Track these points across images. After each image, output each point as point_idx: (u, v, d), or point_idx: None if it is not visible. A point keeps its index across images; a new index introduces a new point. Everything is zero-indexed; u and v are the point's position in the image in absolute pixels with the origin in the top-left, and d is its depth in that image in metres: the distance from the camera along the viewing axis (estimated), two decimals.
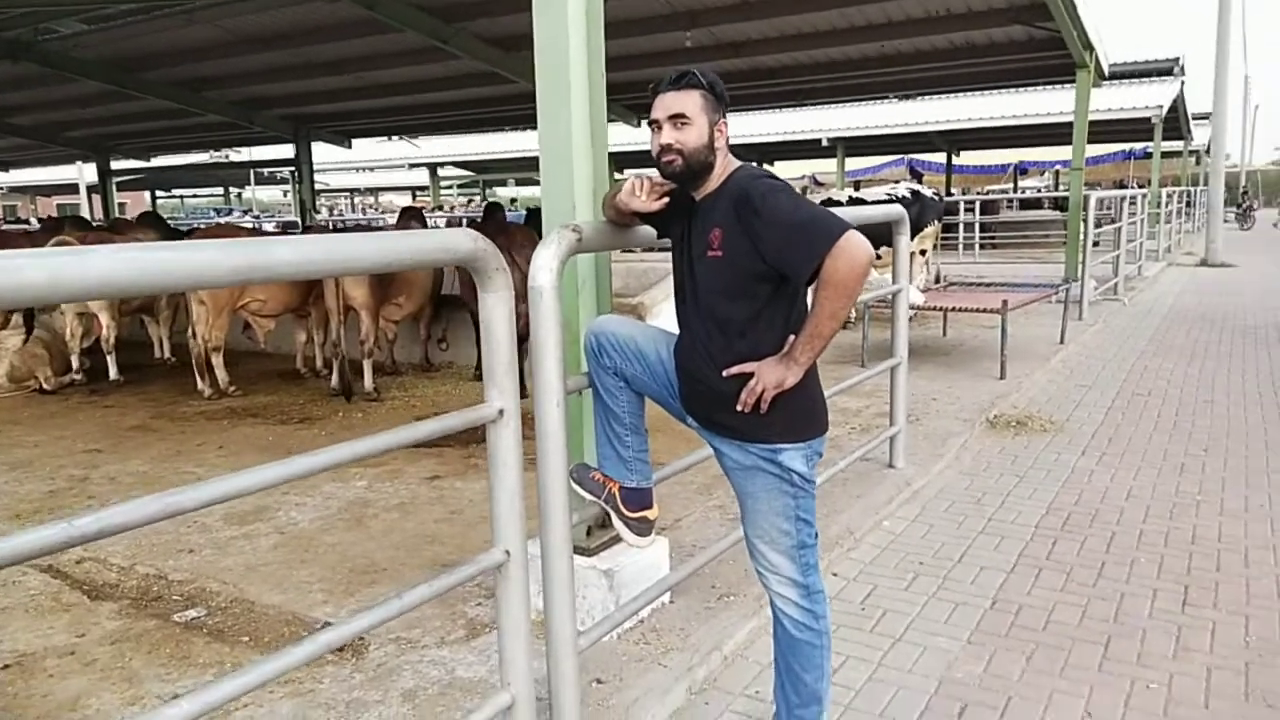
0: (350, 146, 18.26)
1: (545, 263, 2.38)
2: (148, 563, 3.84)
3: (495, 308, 2.16)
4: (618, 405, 2.55)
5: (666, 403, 2.51)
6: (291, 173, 23.91)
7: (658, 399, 2.53)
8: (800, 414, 2.26)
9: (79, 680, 2.96)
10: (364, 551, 3.95)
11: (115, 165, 20.07)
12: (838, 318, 2.11)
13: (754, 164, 2.47)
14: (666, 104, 2.24)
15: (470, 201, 36.80)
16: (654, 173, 2.44)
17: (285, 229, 17.89)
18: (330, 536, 4.13)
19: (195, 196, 45.18)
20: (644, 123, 13.82)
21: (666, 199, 2.40)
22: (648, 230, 2.69)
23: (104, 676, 2.98)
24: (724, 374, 2.24)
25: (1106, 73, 12.17)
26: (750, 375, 2.20)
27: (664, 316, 6.57)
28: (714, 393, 2.28)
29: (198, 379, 7.05)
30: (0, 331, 7.74)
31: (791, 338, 2.21)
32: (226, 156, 24.58)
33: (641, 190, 2.41)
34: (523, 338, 7.22)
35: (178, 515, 1.51)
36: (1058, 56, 11.02)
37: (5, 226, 19.85)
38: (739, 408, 2.21)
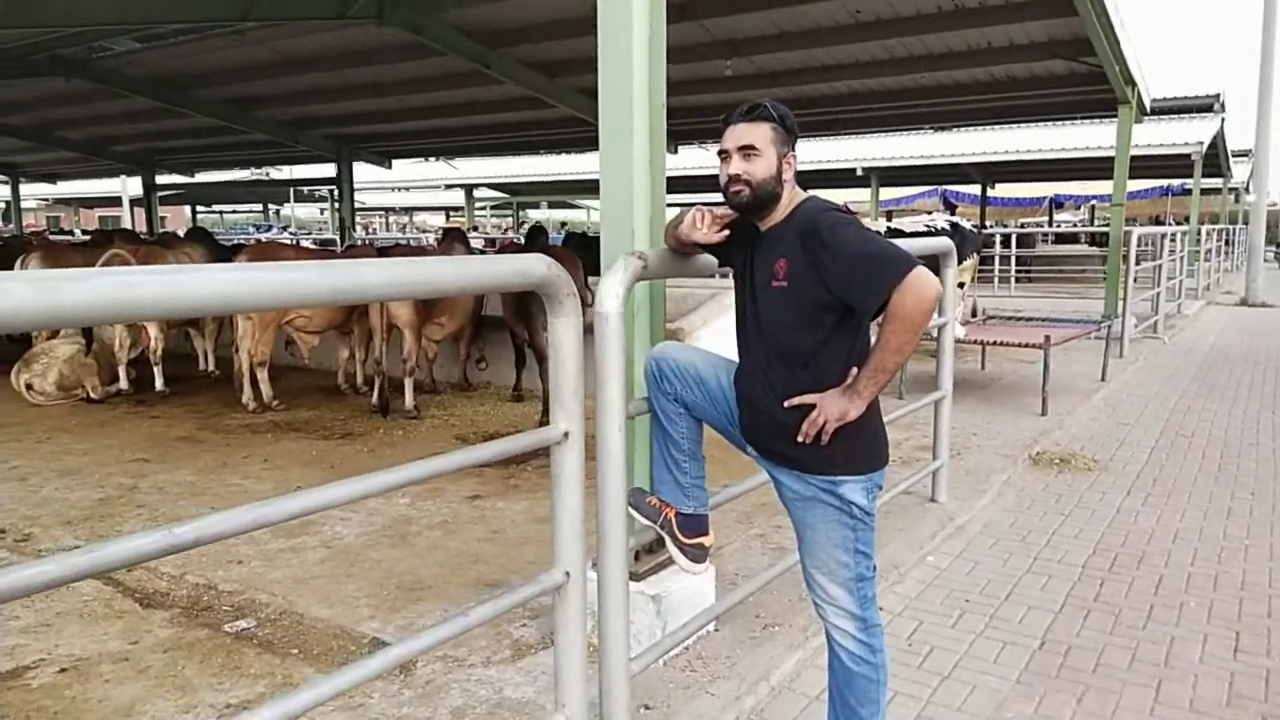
0: (390, 167, 18.55)
1: (611, 289, 2.42)
2: (197, 572, 3.89)
3: (564, 332, 2.19)
4: (677, 431, 2.57)
5: (726, 430, 2.52)
6: (330, 191, 24.34)
7: (717, 426, 2.55)
8: (861, 446, 2.27)
9: (133, 687, 3.00)
10: (409, 568, 3.98)
11: (159, 180, 20.50)
12: (903, 352, 2.12)
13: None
14: (737, 135, 2.27)
15: (521, 225, 37.17)
16: (712, 198, 2.48)
17: (324, 247, 18.13)
18: (375, 552, 4.17)
19: (235, 212, 45.94)
20: (681, 149, 13.95)
21: (728, 231, 2.44)
22: (708, 259, 2.71)
23: (158, 684, 3.02)
24: (785, 404, 2.25)
25: (1148, 108, 12.12)
26: (812, 406, 2.21)
27: (702, 342, 6.59)
28: (775, 423, 2.29)
29: (241, 392, 7.16)
30: (51, 340, 7.90)
31: (854, 370, 2.22)
32: (268, 174, 25.03)
33: (703, 222, 2.45)
34: (543, 356, 7.16)
35: (269, 526, 1.54)
36: (1099, 91, 11.00)
37: (52, 238, 20.27)
38: (800, 439, 2.23)
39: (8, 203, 24.54)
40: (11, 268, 8.29)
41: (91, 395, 7.67)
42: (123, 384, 7.83)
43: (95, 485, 5.25)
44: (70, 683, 3.03)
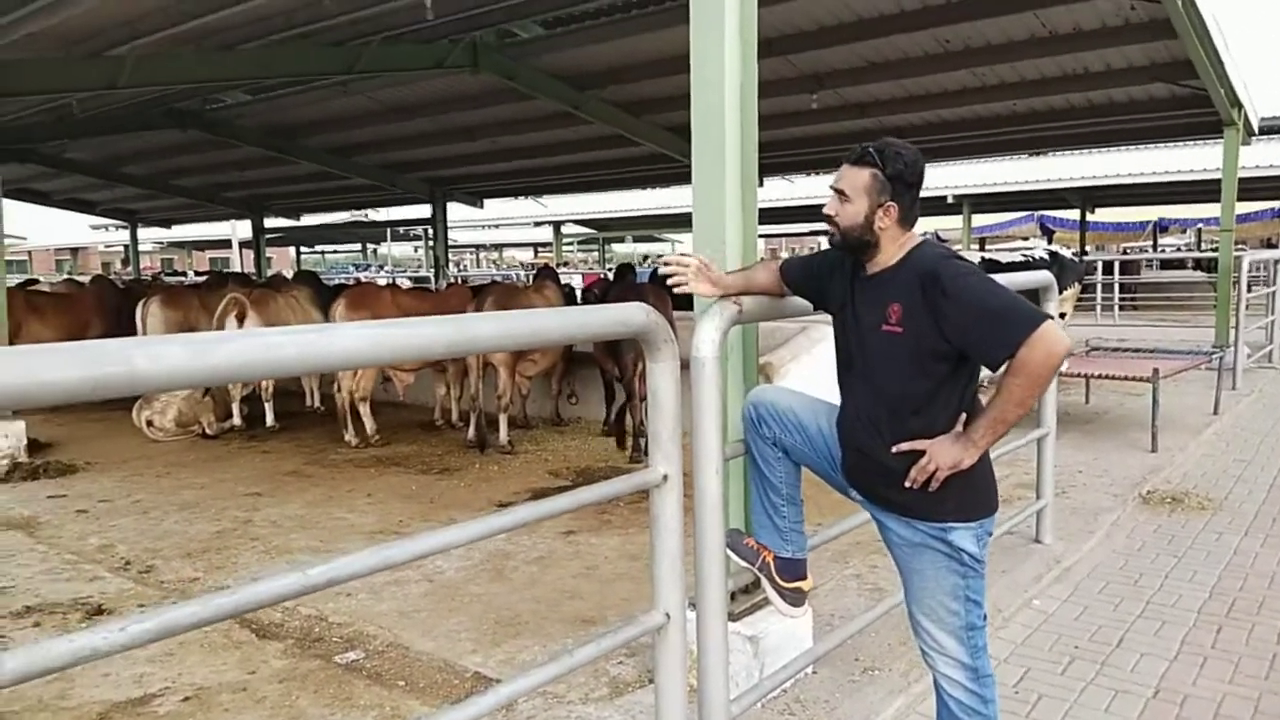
0: (482, 206, 19.09)
1: (708, 334, 2.46)
2: (310, 604, 4.05)
3: (662, 377, 2.24)
4: (775, 476, 2.58)
5: (827, 475, 2.52)
6: (425, 230, 25.12)
7: (817, 470, 2.55)
8: (972, 493, 2.24)
9: (251, 716, 3.14)
10: (507, 603, 4.07)
11: (267, 223, 21.53)
12: (1025, 405, 2.10)
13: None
14: (838, 176, 2.31)
15: (609, 259, 37.94)
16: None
17: (419, 284, 18.73)
18: (475, 587, 4.27)
19: (335, 252, 47.79)
20: (766, 180, 14.00)
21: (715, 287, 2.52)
22: (801, 301, 2.72)
23: (273, 714, 3.16)
24: (894, 450, 2.24)
25: (1256, 129, 11.63)
26: (921, 452, 2.20)
27: (790, 377, 6.56)
28: (883, 468, 2.28)
29: (344, 428, 7.43)
30: None
31: (963, 417, 2.21)
32: (366, 215, 26.01)
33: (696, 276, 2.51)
34: (633, 392, 7.18)
35: (393, 567, 1.63)
36: (1203, 114, 10.61)
37: (167, 279, 21.46)
38: (908, 484, 2.21)
39: (126, 246, 26.08)
40: (134, 309, 8.82)
41: (207, 431, 8.08)
42: (236, 420, 8.23)
43: (212, 518, 5.52)
44: (193, 711, 3.20)
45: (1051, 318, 2.07)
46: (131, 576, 4.61)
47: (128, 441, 7.91)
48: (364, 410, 7.41)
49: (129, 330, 8.60)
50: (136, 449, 7.67)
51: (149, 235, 32.06)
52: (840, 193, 2.29)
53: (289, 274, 14.01)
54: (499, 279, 23.06)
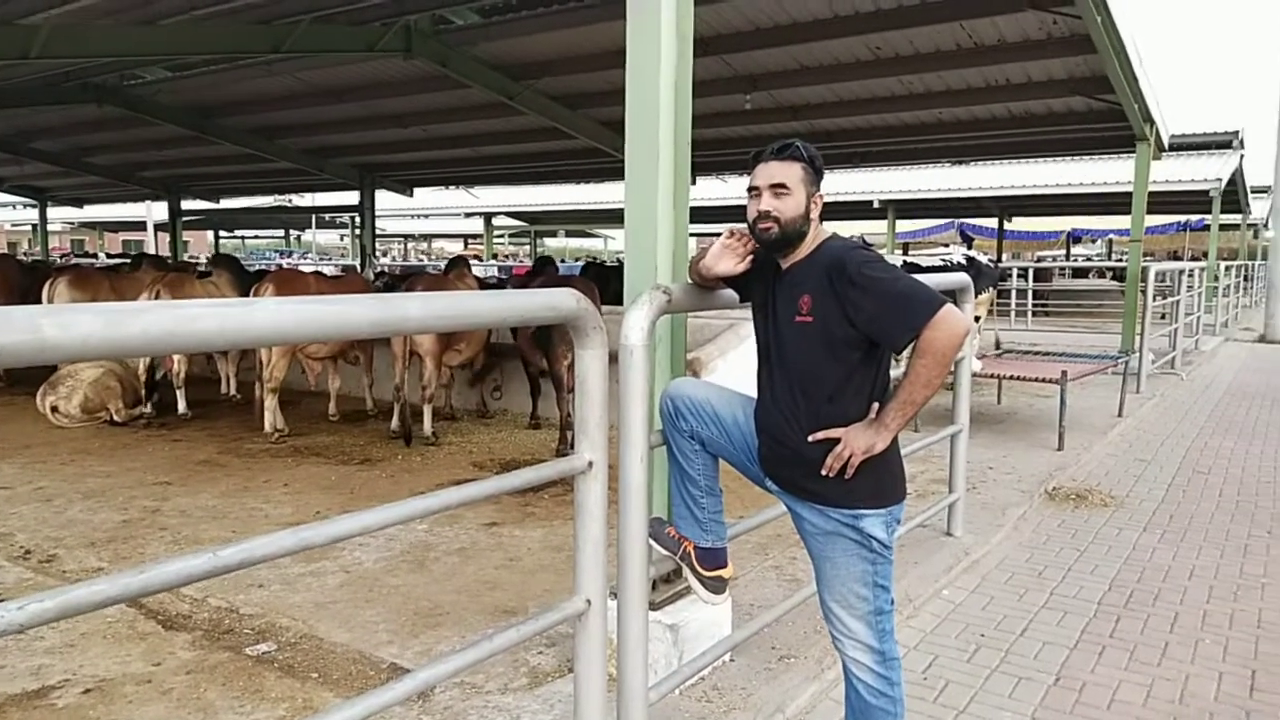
0: (412, 194, 18.80)
1: (637, 322, 2.47)
2: (219, 595, 3.94)
3: (591, 364, 2.24)
4: (693, 468, 2.60)
5: (744, 466, 2.56)
6: (352, 218, 24.64)
7: (734, 462, 2.58)
8: (882, 480, 2.30)
9: (156, 708, 3.04)
10: (427, 594, 4.02)
11: (185, 205, 20.82)
12: (931, 386, 2.17)
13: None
14: (769, 172, 2.32)
15: (542, 253, 37.66)
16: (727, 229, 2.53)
17: (344, 273, 18.35)
18: (394, 578, 4.21)
19: (257, 237, 46.49)
20: (699, 180, 14.13)
21: (750, 259, 2.48)
22: (730, 293, 2.75)
23: (180, 705, 3.06)
24: (811, 438, 2.29)
25: (1166, 145, 12.17)
26: (837, 440, 2.25)
27: (719, 373, 6.62)
28: (798, 456, 2.33)
29: (263, 420, 7.21)
30: (76, 364, 8.02)
31: (875, 405, 2.27)
32: (290, 201, 25.35)
33: (728, 250, 2.48)
34: (561, 384, 7.15)
35: (309, 549, 1.60)
36: (1117, 128, 11.07)
37: (76, 261, 20.58)
38: (824, 472, 2.26)
39: (35, 225, 24.96)
40: (39, 290, 8.45)
41: (115, 418, 7.78)
42: (146, 407, 7.94)
43: (119, 507, 5.33)
44: (94, 703, 3.08)
45: (949, 301, 2.14)
46: (31, 566, 4.42)
47: (31, 427, 7.57)
48: (270, 404, 7.15)
49: None
50: (40, 435, 7.34)
51: (59, 214, 30.67)
52: (780, 187, 2.30)
53: (205, 259, 13.60)
54: (428, 270, 22.75)
